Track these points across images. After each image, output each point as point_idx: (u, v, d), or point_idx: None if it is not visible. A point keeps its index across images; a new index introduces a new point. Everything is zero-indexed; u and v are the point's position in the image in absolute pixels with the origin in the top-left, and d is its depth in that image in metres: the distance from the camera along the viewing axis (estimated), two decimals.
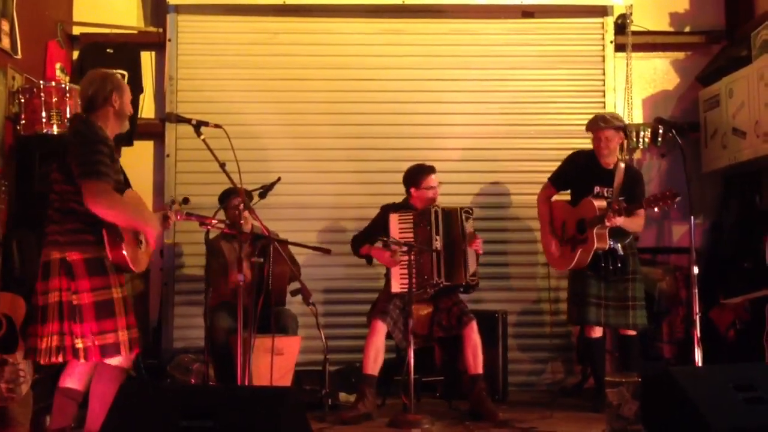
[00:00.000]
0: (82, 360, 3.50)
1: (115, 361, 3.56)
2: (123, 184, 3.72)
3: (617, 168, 5.18)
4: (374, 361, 4.97)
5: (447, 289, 5.16)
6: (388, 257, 5.07)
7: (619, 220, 4.88)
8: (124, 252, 3.56)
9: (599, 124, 5.16)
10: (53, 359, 3.49)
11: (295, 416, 2.99)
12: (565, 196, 5.45)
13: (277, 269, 5.11)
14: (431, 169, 5.29)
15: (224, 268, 5.31)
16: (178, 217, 4.11)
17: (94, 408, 3.56)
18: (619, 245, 5.05)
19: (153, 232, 3.71)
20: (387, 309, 5.05)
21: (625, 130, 5.28)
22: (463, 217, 5.19)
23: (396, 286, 5.04)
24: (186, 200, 4.42)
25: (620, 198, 5.03)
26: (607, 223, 4.88)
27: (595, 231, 4.96)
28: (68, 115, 5.32)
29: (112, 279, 3.58)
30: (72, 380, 3.63)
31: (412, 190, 5.29)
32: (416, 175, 5.30)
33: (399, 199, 5.42)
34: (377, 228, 5.25)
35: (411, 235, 5.12)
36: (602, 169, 5.20)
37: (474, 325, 5.06)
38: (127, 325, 3.59)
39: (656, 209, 4.73)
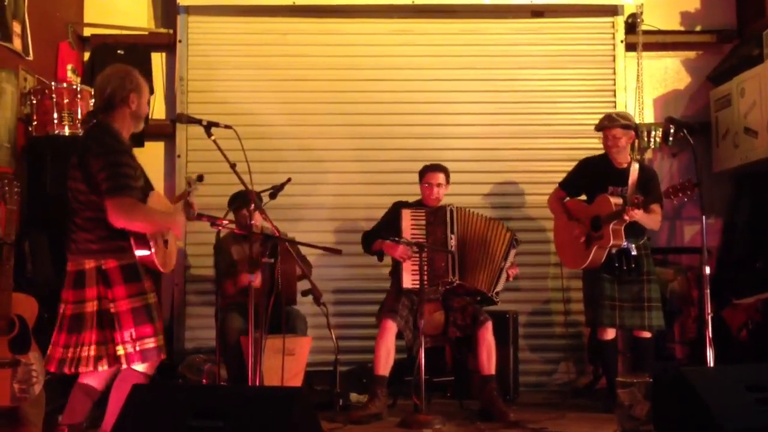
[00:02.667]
0: (124, 366, 3.49)
1: (141, 367, 3.55)
2: (146, 188, 3.67)
3: (631, 167, 5.17)
4: (385, 360, 4.97)
5: (463, 291, 5.17)
6: (400, 252, 5.07)
7: (638, 214, 4.85)
8: (153, 253, 3.56)
9: (605, 123, 5.17)
10: (89, 368, 3.47)
11: (306, 416, 2.99)
12: None
13: (287, 269, 5.11)
14: (436, 167, 5.31)
15: (230, 270, 5.31)
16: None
17: (112, 410, 3.54)
18: (633, 245, 5.04)
19: (179, 227, 3.70)
20: (396, 308, 5.05)
21: (636, 129, 5.27)
22: (512, 243, 5.18)
23: (408, 282, 5.04)
24: (201, 177, 4.40)
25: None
26: (626, 217, 4.86)
27: (611, 227, 4.95)
28: (80, 116, 5.34)
29: (147, 284, 3.58)
30: (93, 379, 3.61)
31: (420, 185, 5.33)
32: (422, 170, 5.35)
33: (410, 199, 5.42)
34: (389, 223, 5.26)
35: (423, 232, 5.13)
36: (615, 169, 5.19)
37: (489, 325, 5.08)
38: (160, 330, 3.59)
39: (675, 201, 4.72)
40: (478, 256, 5.16)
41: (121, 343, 3.46)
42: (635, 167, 5.18)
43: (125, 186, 3.45)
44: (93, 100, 5.49)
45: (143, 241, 3.54)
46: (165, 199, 3.88)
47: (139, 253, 3.54)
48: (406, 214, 5.17)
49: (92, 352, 3.46)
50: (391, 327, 5.00)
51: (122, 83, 3.64)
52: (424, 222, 5.18)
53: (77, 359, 3.46)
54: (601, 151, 5.32)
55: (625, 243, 5.01)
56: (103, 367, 3.48)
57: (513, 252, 5.20)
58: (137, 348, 3.48)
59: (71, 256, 3.57)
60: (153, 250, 3.55)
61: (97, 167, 3.46)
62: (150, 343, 3.52)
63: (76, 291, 3.52)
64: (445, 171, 5.32)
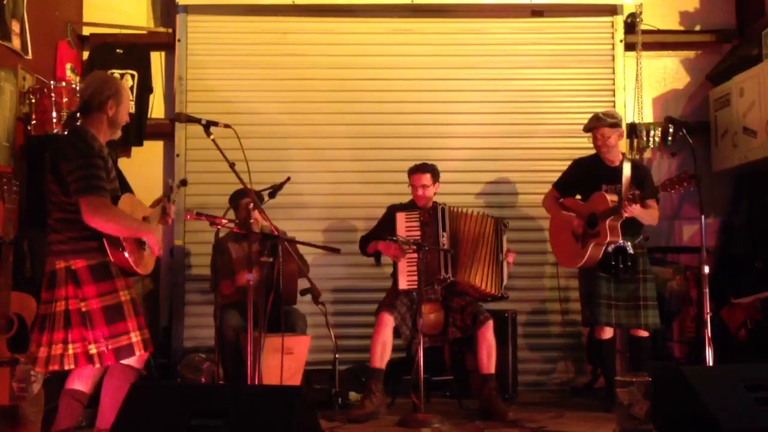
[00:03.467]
0: (97, 365, 3.51)
1: (127, 360, 3.58)
2: (119, 191, 3.69)
3: (623, 165, 5.18)
4: (381, 354, 4.98)
5: (472, 295, 5.18)
6: (394, 250, 5.08)
7: (636, 209, 4.86)
8: (127, 256, 3.57)
9: (594, 123, 5.18)
10: (67, 366, 3.48)
11: (305, 415, 2.99)
12: None
13: (288, 269, 5.12)
14: (418, 168, 5.30)
15: (229, 269, 5.31)
16: (188, 216, 4.14)
17: (104, 406, 3.57)
18: (629, 244, 5.04)
19: (152, 238, 3.70)
20: (395, 303, 5.07)
21: (634, 126, 5.26)
22: (500, 228, 5.21)
23: (403, 283, 5.06)
24: (184, 182, 4.40)
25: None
26: (624, 213, 4.86)
27: (607, 223, 4.95)
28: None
29: (118, 283, 3.58)
30: (79, 382, 3.63)
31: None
32: (408, 172, 5.35)
33: (408, 198, 5.43)
34: (384, 227, 5.29)
35: (418, 233, 5.14)
36: (607, 167, 5.20)
37: (490, 324, 5.08)
38: (138, 327, 3.60)
39: (673, 193, 4.74)
40: (471, 251, 5.17)
41: (93, 342, 3.47)
42: (627, 164, 5.19)
43: (95, 186, 3.47)
44: None
45: (116, 242, 3.55)
46: (140, 202, 3.87)
47: (113, 256, 3.55)
48: (401, 218, 5.19)
49: (63, 350, 3.47)
50: (388, 321, 5.00)
51: (101, 88, 3.67)
52: (418, 223, 5.19)
53: (52, 357, 3.47)
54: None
55: (622, 241, 5.01)
56: (73, 366, 3.49)
57: (505, 238, 5.21)
58: (109, 347, 3.49)
59: (47, 258, 3.61)
60: (126, 251, 3.56)
61: (67, 169, 3.49)
62: (123, 340, 3.53)
63: (48, 291, 3.55)
64: (432, 170, 5.30)
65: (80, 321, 3.48)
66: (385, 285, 5.45)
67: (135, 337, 3.57)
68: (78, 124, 3.69)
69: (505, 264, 5.18)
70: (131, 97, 6.15)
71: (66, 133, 3.72)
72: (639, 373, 4.36)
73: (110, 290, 3.55)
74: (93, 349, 3.47)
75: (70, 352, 3.47)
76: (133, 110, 6.17)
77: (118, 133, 3.83)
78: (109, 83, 3.72)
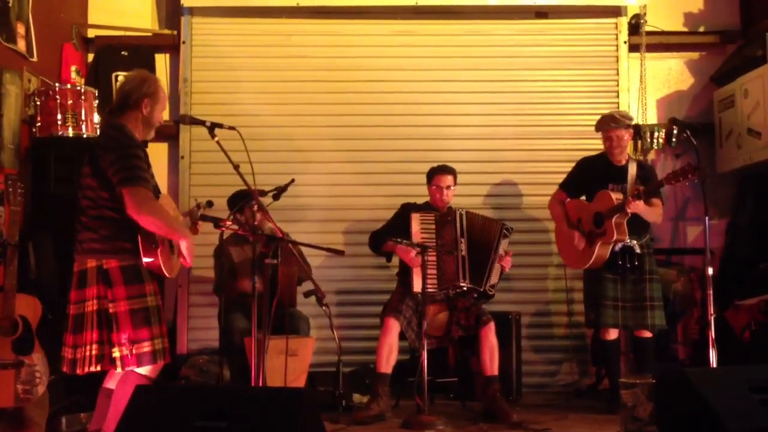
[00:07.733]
0: (118, 369, 3.48)
1: (143, 369, 3.54)
2: (158, 189, 3.70)
3: (629, 164, 5.19)
4: (387, 359, 4.98)
5: (464, 291, 5.17)
6: (413, 256, 5.04)
7: (640, 205, 4.87)
8: (159, 259, 3.54)
9: (610, 125, 5.16)
10: (90, 368, 3.46)
11: (309, 417, 2.99)
12: None
13: (285, 270, 5.10)
14: (445, 169, 5.31)
15: (232, 272, 5.31)
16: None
17: (113, 412, 3.53)
18: (635, 243, 5.04)
19: (188, 244, 3.65)
20: (400, 308, 5.05)
21: (638, 127, 5.28)
22: (503, 233, 5.19)
23: (418, 286, 5.01)
24: (210, 203, 4.43)
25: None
26: (628, 209, 4.87)
27: (614, 221, 4.95)
28: (83, 117, 5.35)
29: (148, 287, 3.55)
30: (114, 381, 3.61)
31: (427, 187, 5.33)
32: (431, 172, 5.34)
33: (413, 200, 5.43)
34: (397, 225, 5.25)
35: (432, 236, 5.13)
36: (614, 167, 5.21)
37: (492, 325, 5.07)
38: (160, 334, 3.57)
39: (677, 185, 4.80)
40: (484, 257, 5.16)
41: (117, 345, 3.45)
42: (633, 164, 5.20)
43: (139, 177, 3.45)
44: (96, 101, 5.54)
45: (151, 243, 3.53)
46: (174, 206, 3.88)
47: (146, 256, 3.53)
48: (416, 218, 5.17)
49: (93, 352, 3.45)
50: (394, 325, 5.00)
51: (139, 87, 3.67)
52: (433, 226, 5.18)
53: (81, 359, 3.46)
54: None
55: (628, 240, 5.01)
56: (95, 369, 3.46)
57: (505, 242, 5.21)
58: (133, 351, 3.46)
59: (77, 257, 3.58)
60: (159, 253, 3.54)
61: (108, 161, 3.46)
62: (146, 347, 3.49)
63: (78, 291, 3.52)
64: (453, 172, 5.32)
65: (107, 322, 3.45)
66: (390, 287, 5.45)
67: (158, 345, 3.54)
68: (115, 119, 3.67)
69: (495, 264, 5.16)
70: None
71: (103, 127, 3.68)
72: (643, 374, 4.36)
73: (139, 294, 3.51)
74: (116, 352, 3.44)
75: (99, 353, 3.45)
76: None
77: (152, 134, 3.83)
78: (147, 82, 3.70)
